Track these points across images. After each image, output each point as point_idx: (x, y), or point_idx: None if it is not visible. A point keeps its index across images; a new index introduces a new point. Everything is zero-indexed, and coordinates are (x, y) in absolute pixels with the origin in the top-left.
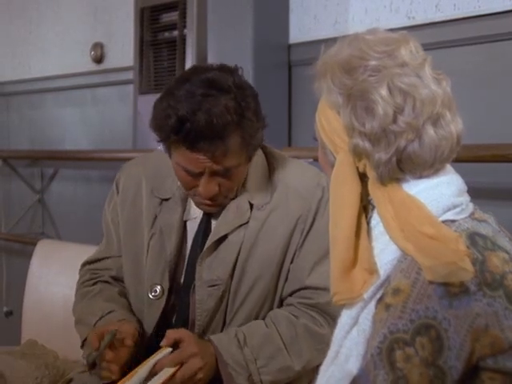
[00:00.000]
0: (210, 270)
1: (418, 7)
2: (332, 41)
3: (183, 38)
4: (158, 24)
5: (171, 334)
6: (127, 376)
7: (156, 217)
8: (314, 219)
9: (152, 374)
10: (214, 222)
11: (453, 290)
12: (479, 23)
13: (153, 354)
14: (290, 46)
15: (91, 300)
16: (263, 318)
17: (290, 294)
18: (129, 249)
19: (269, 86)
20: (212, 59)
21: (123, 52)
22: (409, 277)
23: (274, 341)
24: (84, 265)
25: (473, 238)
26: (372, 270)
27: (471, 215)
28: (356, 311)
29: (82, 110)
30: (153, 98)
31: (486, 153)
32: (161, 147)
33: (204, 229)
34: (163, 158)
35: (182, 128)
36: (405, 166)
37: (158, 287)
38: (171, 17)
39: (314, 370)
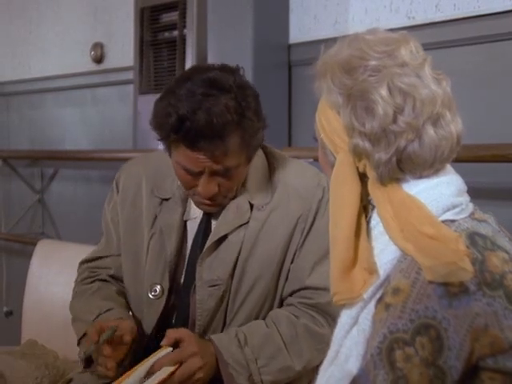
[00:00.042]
0: (211, 270)
1: (418, 7)
2: (332, 41)
3: (183, 38)
4: (157, 24)
5: (172, 334)
6: (125, 374)
7: (156, 217)
8: (314, 219)
9: (150, 373)
10: (214, 222)
11: (452, 290)
12: (479, 23)
13: (152, 353)
14: (290, 46)
15: (89, 298)
16: (263, 318)
17: (291, 294)
18: (128, 248)
19: (269, 86)
20: (212, 59)
21: (123, 52)
22: (408, 277)
23: (275, 341)
24: (82, 263)
25: (472, 237)
26: (372, 270)
27: (471, 215)
28: (356, 311)
29: (81, 110)
30: (153, 98)
31: (486, 153)
32: (161, 146)
33: (204, 229)
34: (163, 158)
35: (181, 127)
36: (405, 166)
37: (158, 287)
38: (171, 17)
39: (314, 370)
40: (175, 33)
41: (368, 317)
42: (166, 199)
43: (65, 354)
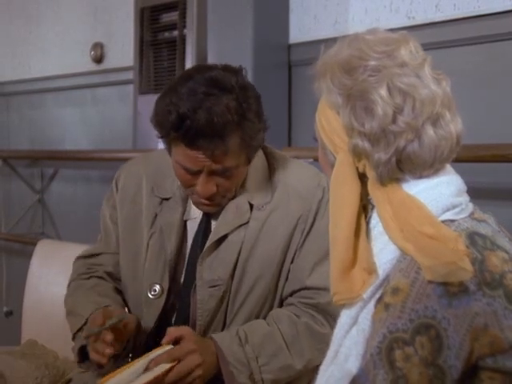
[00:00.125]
0: (211, 270)
1: (418, 7)
2: (332, 41)
3: (183, 38)
4: (157, 24)
5: (172, 332)
6: (122, 368)
7: (156, 216)
8: (314, 219)
9: (148, 369)
10: (213, 222)
11: (452, 290)
12: (479, 23)
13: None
14: (290, 46)
15: (86, 293)
16: (264, 318)
17: (291, 294)
18: (127, 247)
19: (269, 86)
20: (212, 59)
21: (123, 52)
22: (408, 276)
23: (276, 339)
24: (79, 258)
25: (472, 237)
26: (371, 270)
27: (471, 215)
28: (355, 311)
29: (81, 110)
30: (153, 98)
31: (486, 153)
32: (161, 146)
33: (204, 229)
34: (164, 158)
35: (181, 125)
36: (404, 166)
37: (158, 286)
38: (171, 17)
39: (314, 370)
40: (175, 33)
41: (367, 316)
42: (167, 199)
43: (65, 354)
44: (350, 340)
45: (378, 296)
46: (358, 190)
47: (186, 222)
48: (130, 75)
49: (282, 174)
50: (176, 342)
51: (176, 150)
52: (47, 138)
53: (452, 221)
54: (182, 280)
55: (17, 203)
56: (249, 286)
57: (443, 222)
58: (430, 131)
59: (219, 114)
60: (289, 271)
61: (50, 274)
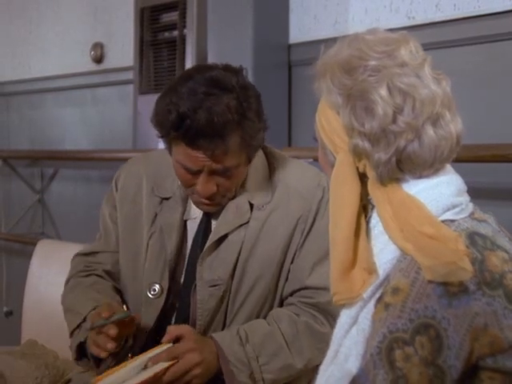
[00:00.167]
0: (211, 270)
1: (418, 7)
2: (332, 41)
3: (183, 38)
4: (157, 24)
5: (172, 330)
6: (121, 365)
7: (156, 215)
8: (314, 219)
9: (146, 367)
10: (214, 222)
11: (452, 290)
12: (479, 23)
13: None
14: (289, 46)
15: (84, 290)
16: (264, 318)
17: (291, 294)
18: (127, 246)
19: (269, 86)
20: (212, 59)
21: (123, 52)
22: (408, 276)
23: (276, 339)
24: (77, 255)
25: (472, 237)
26: (371, 270)
27: (471, 215)
28: (355, 311)
29: (81, 110)
30: (153, 98)
31: (486, 153)
32: (161, 146)
33: (204, 229)
34: (164, 157)
35: (182, 124)
36: (404, 166)
37: (157, 286)
38: (171, 17)
39: (314, 370)
40: (175, 33)
41: (367, 316)
42: (167, 198)
43: (65, 354)
44: (349, 340)
45: (377, 296)
46: (358, 189)
47: (186, 221)
48: (129, 75)
49: (282, 174)
50: (176, 340)
51: (176, 150)
52: (47, 138)
53: (452, 221)
54: (182, 280)
55: (17, 203)
56: (249, 286)
57: (443, 221)
58: (430, 131)
59: (219, 114)
60: (289, 271)
61: (50, 273)
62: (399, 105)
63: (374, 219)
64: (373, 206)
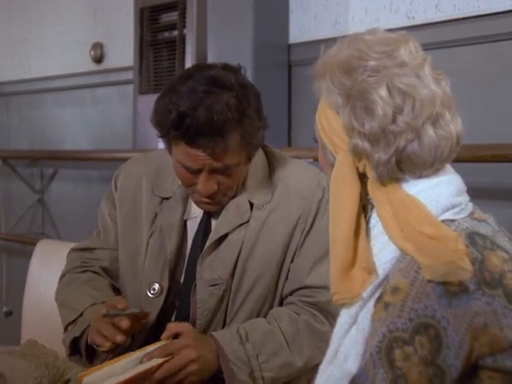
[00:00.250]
0: (211, 270)
1: (418, 7)
2: (332, 41)
3: (183, 38)
4: (157, 24)
5: (172, 327)
6: (117, 358)
7: (156, 215)
8: (314, 219)
9: (142, 363)
10: (214, 222)
11: (452, 289)
12: (479, 23)
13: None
14: (289, 46)
15: (80, 286)
16: (264, 317)
17: (291, 293)
18: (126, 245)
19: (269, 85)
20: (212, 59)
21: (123, 52)
22: (408, 276)
23: (276, 337)
24: (73, 250)
25: (472, 237)
26: (371, 270)
27: (470, 215)
28: (355, 310)
29: (82, 110)
30: (153, 98)
31: (486, 153)
32: (161, 145)
33: (204, 228)
34: (164, 157)
35: (182, 123)
36: (404, 166)
37: (157, 285)
38: (171, 17)
39: (314, 369)
40: (175, 33)
41: (367, 316)
42: (167, 198)
43: (65, 353)
44: (349, 339)
45: (377, 295)
46: (358, 189)
47: (186, 221)
48: (129, 75)
49: (281, 174)
50: (175, 337)
51: (176, 149)
52: (47, 137)
53: (452, 220)
54: (182, 279)
55: (17, 203)
56: (249, 286)
57: (443, 221)
58: (429, 131)
59: (219, 112)
60: (289, 270)
61: (50, 274)
62: (399, 105)
63: (374, 219)
64: (372, 206)
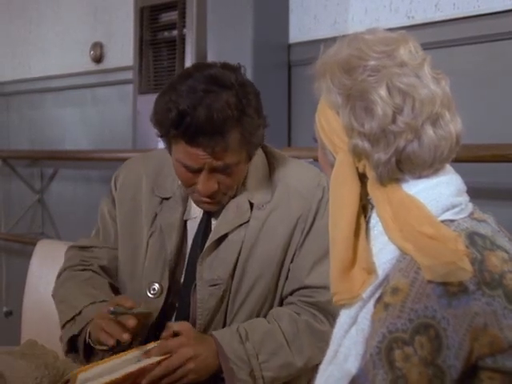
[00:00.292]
0: (211, 270)
1: (418, 7)
2: (331, 41)
3: (183, 38)
4: (157, 24)
5: (172, 327)
6: (114, 356)
7: (156, 215)
8: (314, 219)
9: (140, 362)
10: (214, 222)
11: (452, 290)
12: (479, 23)
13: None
14: (289, 46)
15: (79, 284)
16: (264, 317)
17: (291, 293)
18: (126, 245)
19: (269, 85)
20: (212, 59)
21: (123, 52)
22: (407, 276)
23: (276, 337)
24: (72, 248)
25: (472, 237)
26: (370, 270)
27: (470, 215)
28: (355, 310)
29: (81, 110)
30: (152, 98)
31: (486, 153)
32: (161, 145)
33: (204, 228)
34: (164, 157)
35: (181, 122)
36: (404, 166)
37: (157, 285)
38: (171, 16)
39: (314, 369)
40: (175, 32)
41: (367, 316)
42: (167, 198)
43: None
44: (349, 340)
45: (377, 296)
46: (358, 190)
47: (186, 221)
48: (129, 75)
49: (281, 174)
50: (175, 336)
51: (176, 148)
52: (47, 138)
53: (452, 221)
54: (182, 279)
55: (17, 203)
56: (249, 286)
57: (443, 221)
58: (429, 131)
59: (219, 110)
60: (289, 270)
61: (50, 274)
62: (399, 105)
63: (374, 219)
64: (372, 206)
